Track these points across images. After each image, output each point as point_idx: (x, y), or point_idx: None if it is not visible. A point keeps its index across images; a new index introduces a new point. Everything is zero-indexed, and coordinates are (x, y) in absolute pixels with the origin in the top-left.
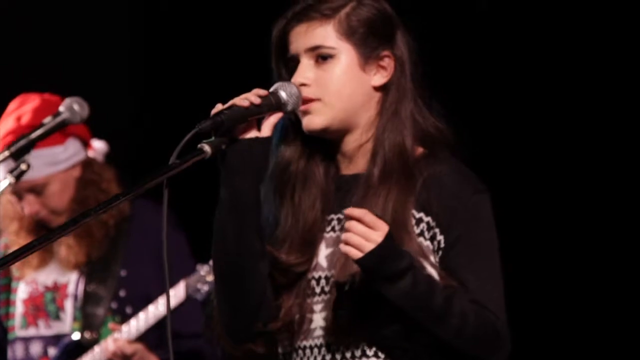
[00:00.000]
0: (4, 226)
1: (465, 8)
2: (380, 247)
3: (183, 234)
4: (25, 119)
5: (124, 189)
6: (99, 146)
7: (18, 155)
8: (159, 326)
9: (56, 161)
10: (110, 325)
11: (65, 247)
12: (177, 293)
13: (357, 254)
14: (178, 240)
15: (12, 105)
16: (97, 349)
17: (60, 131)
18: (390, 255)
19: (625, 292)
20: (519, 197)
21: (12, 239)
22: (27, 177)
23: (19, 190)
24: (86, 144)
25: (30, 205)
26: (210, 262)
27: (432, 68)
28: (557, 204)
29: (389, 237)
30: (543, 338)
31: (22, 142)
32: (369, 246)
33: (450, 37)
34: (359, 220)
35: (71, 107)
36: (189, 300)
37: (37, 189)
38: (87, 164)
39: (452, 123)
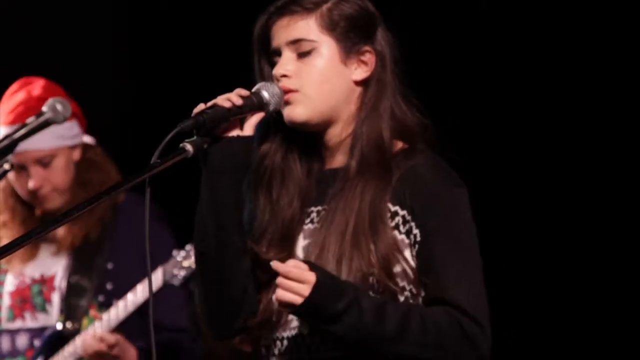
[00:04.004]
0: None
1: (466, 8)
2: (309, 300)
3: (167, 227)
4: (36, 92)
5: (122, 175)
6: (87, 141)
7: (0, 155)
8: (138, 315)
9: (64, 135)
10: (91, 313)
11: (63, 227)
12: (155, 279)
13: (290, 309)
14: (161, 233)
15: (15, 85)
16: (77, 339)
17: None
18: (324, 301)
19: (617, 291)
20: (513, 195)
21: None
22: (36, 147)
23: (25, 161)
24: (84, 130)
25: (36, 178)
26: (186, 247)
27: (431, 68)
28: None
29: (319, 285)
30: (533, 337)
31: (5, 142)
32: (298, 300)
33: (451, 36)
34: (284, 276)
35: (54, 107)
36: (166, 286)
37: (45, 161)
38: (87, 148)
39: (433, 119)
